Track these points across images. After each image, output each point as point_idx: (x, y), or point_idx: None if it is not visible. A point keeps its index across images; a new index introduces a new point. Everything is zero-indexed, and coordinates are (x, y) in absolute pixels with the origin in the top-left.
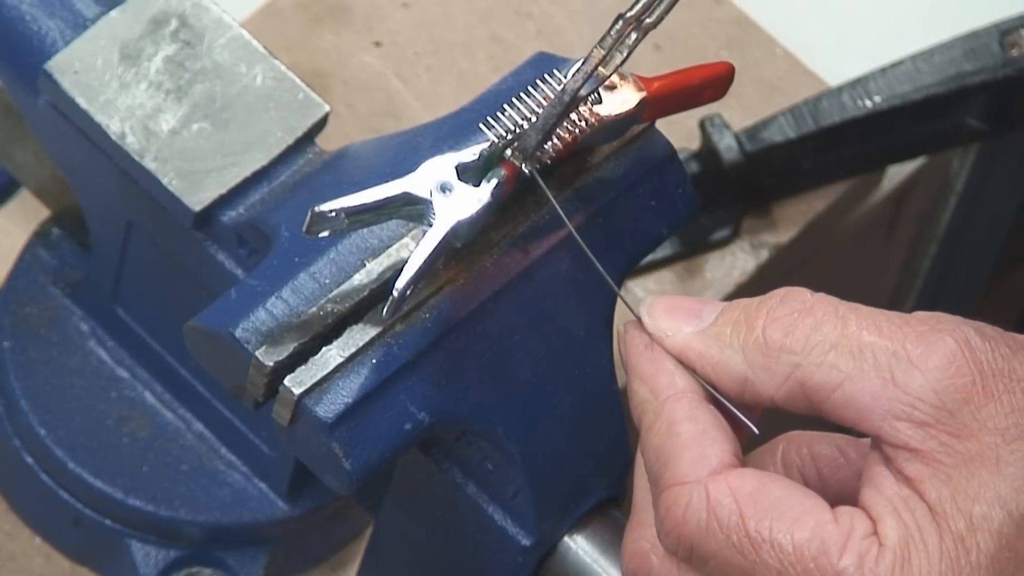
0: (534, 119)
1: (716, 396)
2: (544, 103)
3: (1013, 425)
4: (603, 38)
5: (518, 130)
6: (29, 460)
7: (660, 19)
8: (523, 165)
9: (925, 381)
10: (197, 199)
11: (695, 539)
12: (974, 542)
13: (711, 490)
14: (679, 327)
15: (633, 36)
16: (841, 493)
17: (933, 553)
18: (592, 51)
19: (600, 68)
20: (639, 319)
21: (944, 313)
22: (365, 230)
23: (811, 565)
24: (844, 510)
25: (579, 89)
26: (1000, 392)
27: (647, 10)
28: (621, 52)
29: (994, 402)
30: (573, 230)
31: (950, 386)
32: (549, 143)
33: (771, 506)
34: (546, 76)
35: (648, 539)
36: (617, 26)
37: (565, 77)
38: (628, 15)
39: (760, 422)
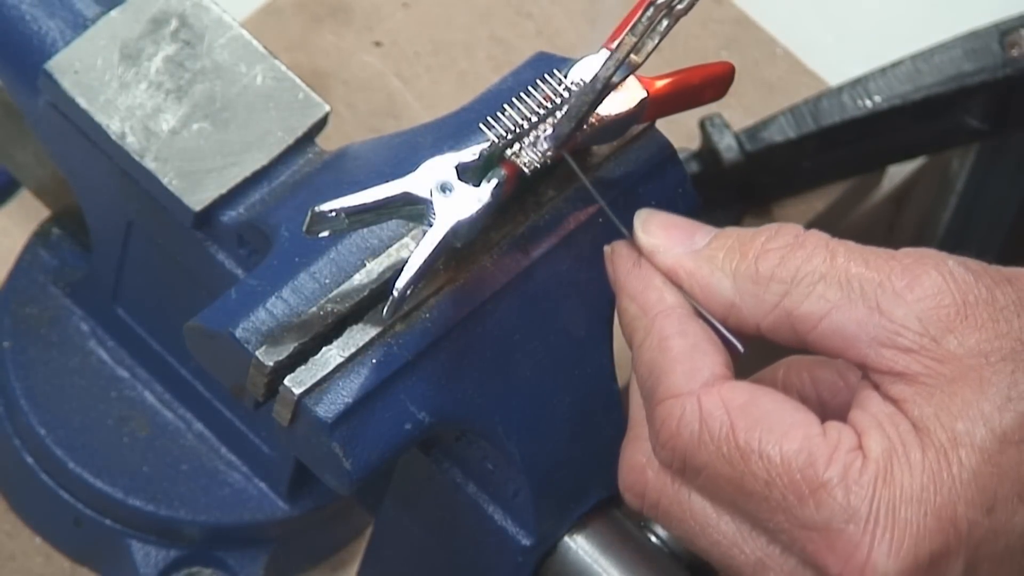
0: (535, 119)
1: (703, 314)
2: (544, 103)
3: (996, 349)
4: (634, 25)
5: (518, 130)
6: (29, 460)
7: (691, 5)
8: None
9: (910, 310)
10: (197, 199)
11: (688, 451)
12: (956, 457)
13: (703, 401)
14: (671, 245)
15: (664, 23)
16: (841, 417)
17: (915, 466)
18: (624, 38)
19: (632, 55)
20: (629, 235)
21: (930, 248)
22: (365, 230)
23: (797, 476)
24: (832, 425)
25: (611, 76)
26: (984, 320)
27: None
28: (652, 39)
29: (978, 330)
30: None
31: (934, 315)
32: (548, 144)
33: (761, 418)
34: (546, 76)
35: (644, 453)
36: (648, 12)
37: (565, 78)
38: (659, 1)
39: (746, 347)
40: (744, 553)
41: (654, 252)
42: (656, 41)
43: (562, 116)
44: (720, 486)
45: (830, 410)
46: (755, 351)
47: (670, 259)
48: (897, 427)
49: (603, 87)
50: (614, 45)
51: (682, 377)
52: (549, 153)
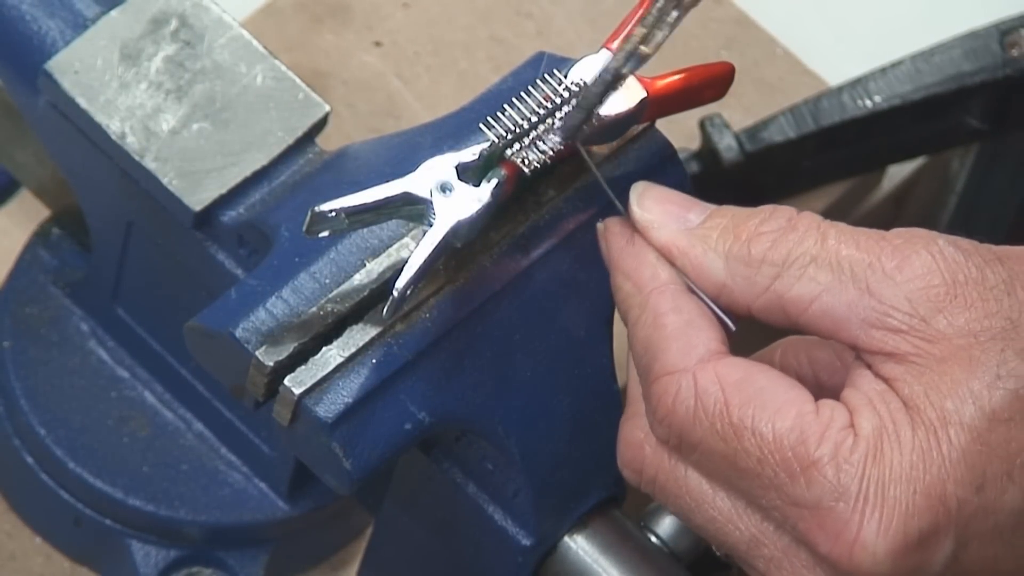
0: (535, 119)
1: (695, 291)
2: (544, 103)
3: (986, 329)
4: (644, 16)
5: (518, 130)
6: (29, 460)
7: None
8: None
9: (900, 290)
10: (197, 199)
11: (684, 427)
12: (945, 435)
13: (699, 378)
14: (666, 221)
15: (674, 14)
16: (837, 397)
17: (905, 444)
18: (633, 29)
19: (642, 47)
20: (624, 209)
21: (921, 228)
22: (365, 230)
23: (789, 454)
24: (825, 403)
25: (622, 67)
26: (974, 300)
27: None
28: (662, 30)
29: (968, 309)
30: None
31: (923, 295)
32: (549, 144)
33: (755, 395)
34: (546, 76)
35: (642, 429)
36: (659, 4)
37: (565, 77)
38: None
39: (738, 325)
40: (739, 530)
41: (648, 228)
42: (666, 32)
43: (572, 107)
44: (715, 462)
45: (827, 390)
46: (754, 331)
47: (664, 236)
48: (888, 405)
49: (613, 78)
50: (623, 36)
51: (677, 354)
52: (560, 146)
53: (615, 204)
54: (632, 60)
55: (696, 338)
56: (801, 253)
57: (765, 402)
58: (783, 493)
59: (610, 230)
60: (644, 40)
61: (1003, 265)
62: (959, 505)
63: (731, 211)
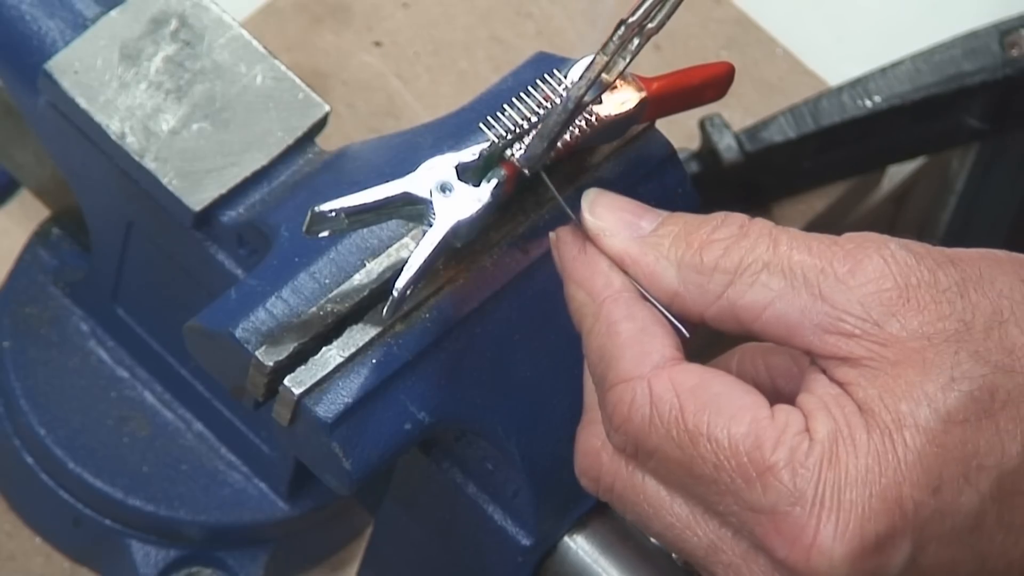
0: (535, 119)
1: (648, 299)
2: (544, 103)
3: (939, 331)
4: (606, 44)
5: (518, 130)
6: (29, 460)
7: (662, 24)
8: (526, 170)
9: (852, 295)
10: (197, 199)
11: (640, 434)
12: (901, 438)
13: (653, 385)
14: (618, 229)
15: (636, 41)
16: (794, 403)
17: (861, 447)
18: (595, 57)
19: (604, 75)
20: (575, 219)
21: (872, 232)
22: (365, 230)
23: (744, 459)
24: (781, 408)
25: (583, 96)
26: (926, 303)
27: (649, 15)
28: (624, 58)
29: (920, 312)
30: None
31: (876, 299)
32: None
33: (710, 401)
34: (546, 76)
35: (599, 437)
36: (620, 32)
37: (565, 78)
38: (630, 20)
39: (692, 332)
40: (697, 536)
41: (600, 236)
42: (628, 60)
43: (533, 136)
44: (671, 469)
45: (784, 396)
46: (712, 337)
47: (616, 244)
48: (843, 409)
49: (575, 107)
50: (585, 63)
51: (632, 361)
52: (526, 172)
53: (570, 216)
54: (594, 88)
55: (650, 345)
56: (753, 260)
57: (721, 407)
58: (739, 498)
59: (561, 239)
60: (606, 68)
61: (955, 267)
62: (916, 508)
63: (683, 218)
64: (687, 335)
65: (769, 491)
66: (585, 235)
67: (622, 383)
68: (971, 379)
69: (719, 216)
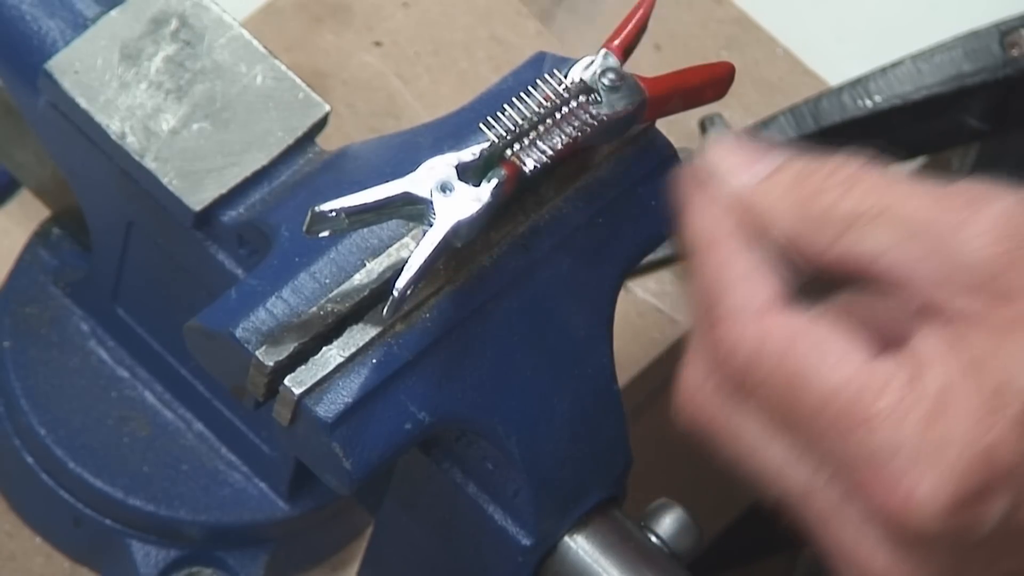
0: (535, 119)
1: (760, 242)
2: (544, 103)
3: None
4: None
5: (518, 130)
6: (29, 460)
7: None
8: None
9: (968, 248)
10: (197, 199)
11: (743, 371)
12: (1007, 397)
13: (760, 323)
14: (735, 171)
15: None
16: (900, 353)
17: (966, 404)
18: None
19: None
20: (698, 157)
21: (989, 184)
22: (365, 230)
23: (848, 406)
24: (887, 357)
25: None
26: None
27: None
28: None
29: None
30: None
31: (992, 253)
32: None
33: (816, 343)
34: (546, 76)
35: (700, 372)
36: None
37: (565, 78)
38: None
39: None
40: (792, 479)
41: (717, 177)
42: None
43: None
44: (771, 410)
45: (890, 345)
46: (818, 284)
47: (732, 187)
48: (950, 365)
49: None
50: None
51: (740, 299)
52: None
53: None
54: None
55: (759, 284)
56: (867, 208)
57: (827, 351)
58: (840, 444)
59: (683, 176)
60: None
61: None
62: (1016, 465)
63: (799, 164)
64: (797, 280)
65: (870, 440)
66: (704, 175)
67: (729, 319)
68: None
69: (834, 162)
